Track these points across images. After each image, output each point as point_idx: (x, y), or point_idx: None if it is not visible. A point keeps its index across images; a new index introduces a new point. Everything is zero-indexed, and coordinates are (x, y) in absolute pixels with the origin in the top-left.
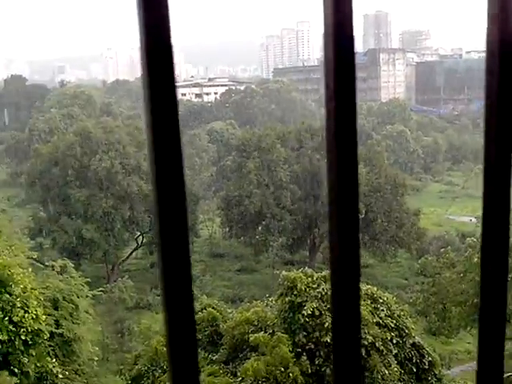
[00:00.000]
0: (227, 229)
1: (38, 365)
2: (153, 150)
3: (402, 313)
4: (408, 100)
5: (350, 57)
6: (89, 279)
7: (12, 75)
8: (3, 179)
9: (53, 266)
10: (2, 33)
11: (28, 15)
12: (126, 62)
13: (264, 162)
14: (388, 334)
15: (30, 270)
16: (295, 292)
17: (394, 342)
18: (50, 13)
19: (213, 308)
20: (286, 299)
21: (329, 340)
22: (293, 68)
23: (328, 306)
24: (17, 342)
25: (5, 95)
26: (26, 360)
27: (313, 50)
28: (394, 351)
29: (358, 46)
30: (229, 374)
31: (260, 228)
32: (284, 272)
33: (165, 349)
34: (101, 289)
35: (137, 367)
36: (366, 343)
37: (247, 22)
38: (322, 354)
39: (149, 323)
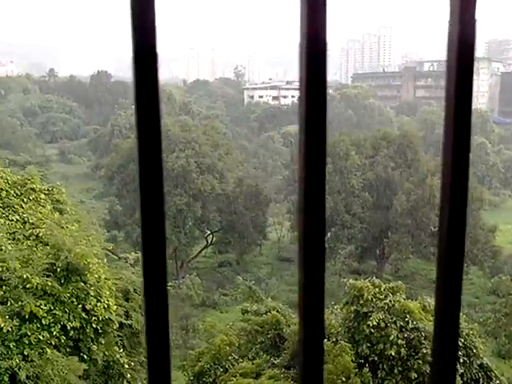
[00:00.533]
0: (296, 233)
1: (106, 353)
2: (138, 149)
3: (471, 332)
4: (490, 111)
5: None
6: None
7: (98, 71)
8: (84, 172)
9: (126, 259)
10: (92, 31)
11: (115, 14)
12: (206, 62)
13: (337, 168)
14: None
15: (105, 260)
16: (361, 301)
17: (461, 361)
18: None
19: (277, 311)
20: (352, 308)
21: (393, 353)
22: (372, 74)
23: (394, 319)
24: (88, 330)
25: (90, 90)
26: (95, 348)
27: (394, 55)
28: (461, 370)
29: (442, 55)
30: (289, 379)
31: (329, 235)
32: (351, 280)
33: (228, 348)
34: (169, 284)
35: (199, 364)
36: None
37: (328, 25)
38: (385, 367)
39: (213, 322)
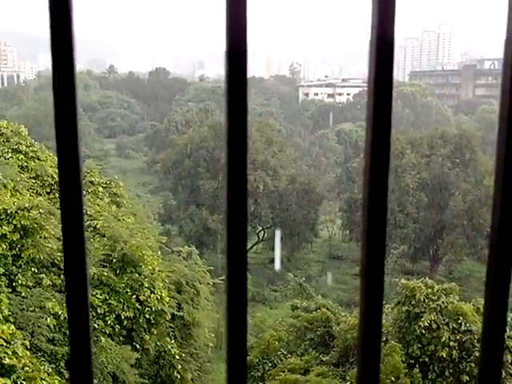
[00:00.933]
0: (347, 231)
1: (158, 344)
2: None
3: None
4: None
5: None
6: (211, 267)
7: (156, 68)
8: (140, 166)
9: (179, 252)
10: (151, 28)
11: (174, 12)
12: (262, 59)
13: (392, 166)
14: (510, 356)
15: (159, 253)
16: (413, 302)
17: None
18: (194, 11)
19: (327, 309)
20: (403, 308)
21: (445, 355)
22: (431, 72)
23: (447, 320)
24: (141, 320)
25: (148, 87)
26: (147, 338)
27: (453, 53)
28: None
29: None
30: (338, 377)
31: None
32: (403, 280)
33: (277, 343)
34: (220, 278)
35: (248, 358)
36: None
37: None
38: (436, 368)
39: (263, 317)
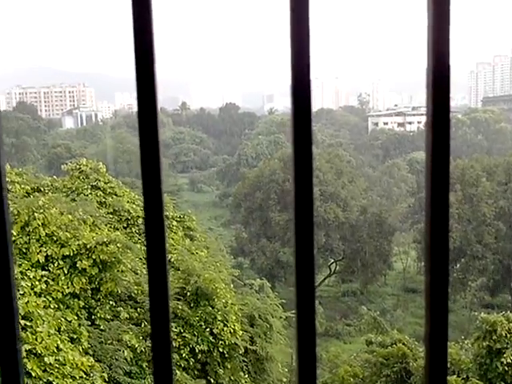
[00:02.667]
0: (423, 263)
1: (232, 378)
2: None
3: None
4: None
5: None
6: (283, 300)
7: (227, 103)
8: (212, 200)
9: (252, 285)
10: (221, 65)
11: (243, 48)
12: (330, 91)
13: (467, 195)
14: None
15: (232, 286)
16: (494, 337)
17: None
18: (262, 45)
19: (403, 344)
20: (484, 344)
21: None
22: (504, 96)
23: None
24: (214, 354)
25: (220, 122)
26: (221, 372)
27: None
28: None
29: None
30: None
31: (458, 265)
32: (483, 314)
33: (352, 379)
34: (292, 311)
35: None
36: None
37: (457, 48)
38: None
39: (337, 351)
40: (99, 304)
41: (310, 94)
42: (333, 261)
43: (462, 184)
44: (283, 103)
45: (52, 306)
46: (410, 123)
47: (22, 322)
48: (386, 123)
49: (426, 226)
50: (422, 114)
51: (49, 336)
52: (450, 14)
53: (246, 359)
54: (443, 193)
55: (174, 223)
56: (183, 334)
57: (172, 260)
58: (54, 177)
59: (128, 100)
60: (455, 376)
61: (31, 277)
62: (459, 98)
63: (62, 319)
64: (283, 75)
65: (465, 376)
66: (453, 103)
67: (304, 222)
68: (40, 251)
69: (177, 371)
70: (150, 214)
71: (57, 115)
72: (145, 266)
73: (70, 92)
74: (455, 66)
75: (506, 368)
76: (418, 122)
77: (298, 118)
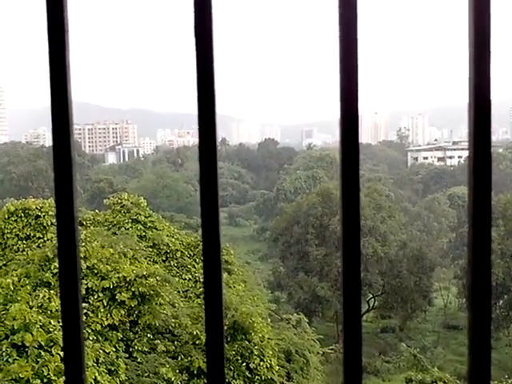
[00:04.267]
0: (464, 299)
1: None
2: None
3: None
4: None
5: None
6: (321, 336)
7: (266, 139)
8: (250, 234)
9: (289, 320)
10: (259, 99)
11: (283, 84)
12: (369, 125)
13: (509, 230)
14: None
15: (269, 320)
16: None
17: None
18: (302, 81)
19: (444, 382)
20: None
21: None
22: None
23: None
24: None
25: (259, 157)
26: None
27: None
28: None
29: None
30: None
31: (501, 302)
32: None
33: None
34: (330, 347)
35: None
36: None
37: (498, 81)
38: None
39: None
40: (137, 336)
41: (358, 128)
42: (371, 296)
43: (504, 219)
44: (322, 138)
45: (91, 338)
46: (450, 158)
47: (62, 353)
48: (425, 158)
49: (468, 262)
50: (463, 149)
51: (87, 367)
52: (490, 45)
53: None
54: (485, 228)
55: None
56: None
57: None
58: (96, 211)
59: (169, 136)
60: None
61: None
62: (501, 132)
63: (101, 351)
64: (322, 111)
65: None
66: (494, 137)
67: (351, 256)
68: (81, 284)
69: None
70: (208, 250)
71: (100, 151)
72: (182, 299)
73: (113, 128)
74: (497, 99)
75: None
76: (459, 157)
77: (346, 150)
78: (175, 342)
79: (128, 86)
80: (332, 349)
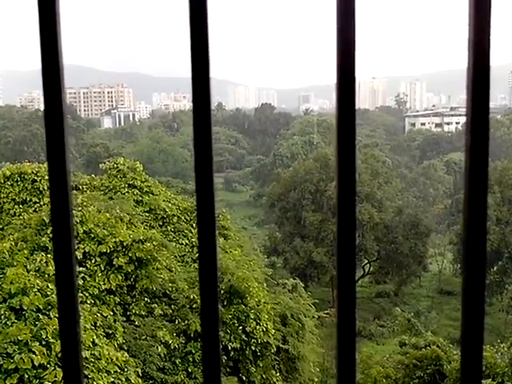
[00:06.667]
0: (459, 265)
1: (264, 376)
2: None
3: None
4: None
5: None
6: (316, 301)
7: (262, 104)
8: (246, 200)
9: (284, 284)
10: (255, 64)
11: (280, 48)
12: (367, 91)
13: (505, 197)
14: None
15: (265, 285)
16: None
17: None
18: (299, 45)
19: (437, 346)
20: None
21: None
22: None
23: None
24: (247, 352)
25: (255, 122)
26: (253, 370)
27: None
28: None
29: None
30: None
31: (495, 268)
32: None
33: (385, 380)
34: (325, 311)
35: None
36: None
37: (497, 46)
38: None
39: (369, 352)
40: (134, 300)
41: (354, 94)
42: (367, 261)
43: (501, 186)
44: (319, 104)
45: (88, 302)
46: (448, 124)
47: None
48: (423, 124)
49: (464, 228)
50: (461, 115)
51: (85, 331)
52: (491, 10)
53: (277, 358)
54: (481, 194)
55: None
56: None
57: None
58: (92, 175)
59: (165, 100)
60: (490, 380)
61: None
62: (499, 98)
63: (98, 314)
64: (320, 76)
65: (500, 380)
66: (492, 103)
67: (347, 222)
68: (78, 248)
69: None
70: (203, 212)
71: (95, 115)
72: (179, 263)
73: (108, 92)
74: (496, 65)
75: None
76: (457, 123)
77: (342, 116)
78: (172, 306)
79: (122, 49)
80: (327, 313)
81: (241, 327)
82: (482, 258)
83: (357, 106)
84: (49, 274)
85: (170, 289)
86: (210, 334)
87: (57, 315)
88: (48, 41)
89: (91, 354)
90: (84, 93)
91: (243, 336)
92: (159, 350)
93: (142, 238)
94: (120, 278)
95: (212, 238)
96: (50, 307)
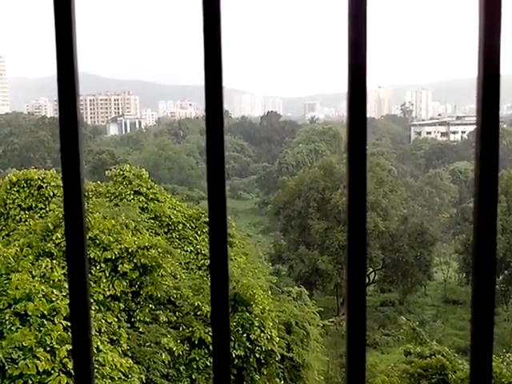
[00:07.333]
0: (464, 274)
1: None
2: None
3: None
4: None
5: None
6: (321, 309)
7: (268, 112)
8: (251, 207)
9: (289, 292)
10: (262, 72)
11: (286, 57)
12: (373, 100)
13: (511, 206)
14: None
15: (269, 293)
16: None
17: None
18: (306, 55)
19: (442, 356)
20: None
21: None
22: None
23: None
24: (251, 359)
25: (261, 130)
26: (257, 377)
27: None
28: None
29: None
30: None
31: (501, 277)
32: None
33: None
34: (330, 320)
35: None
36: None
37: (505, 55)
38: None
39: (374, 361)
40: (139, 307)
41: (366, 104)
42: (372, 270)
43: (507, 195)
44: (325, 112)
45: (93, 308)
46: (453, 133)
47: (64, 322)
48: (429, 133)
49: (474, 236)
50: (466, 124)
51: None
52: (501, 19)
53: (282, 366)
54: (491, 202)
55: None
56: None
57: None
58: (98, 182)
59: (171, 108)
60: None
61: None
62: (505, 107)
63: (103, 321)
64: (326, 85)
65: None
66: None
67: (357, 230)
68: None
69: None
70: (214, 220)
71: (102, 122)
72: (184, 270)
73: (115, 100)
74: (502, 74)
75: None
76: (462, 132)
77: (353, 124)
78: (177, 313)
79: (128, 56)
80: (332, 321)
81: (245, 335)
82: (491, 266)
83: None
84: (54, 280)
85: (175, 296)
86: (220, 344)
87: (61, 321)
88: (64, 49)
89: (95, 360)
90: (90, 100)
91: (247, 343)
92: (163, 356)
93: (147, 244)
94: (125, 284)
95: (223, 246)
96: (54, 313)
